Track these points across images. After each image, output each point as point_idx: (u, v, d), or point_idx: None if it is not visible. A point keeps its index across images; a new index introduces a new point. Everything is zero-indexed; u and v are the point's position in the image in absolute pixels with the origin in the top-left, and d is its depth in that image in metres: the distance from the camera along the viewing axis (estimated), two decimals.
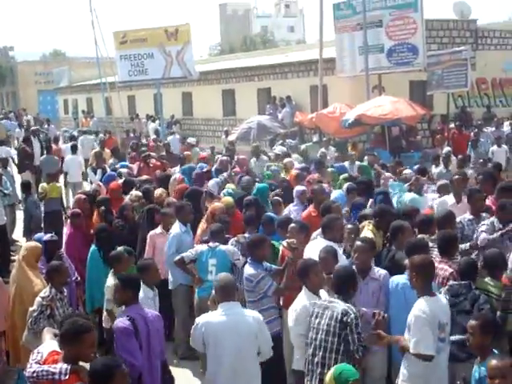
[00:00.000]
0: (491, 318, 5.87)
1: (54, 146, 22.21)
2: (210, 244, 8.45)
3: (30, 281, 8.01)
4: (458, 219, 8.64)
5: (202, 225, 9.83)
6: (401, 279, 6.82)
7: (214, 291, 6.67)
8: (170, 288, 9.30)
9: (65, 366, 5.04)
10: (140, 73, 25.74)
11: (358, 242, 7.09)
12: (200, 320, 6.37)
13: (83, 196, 11.41)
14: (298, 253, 7.83)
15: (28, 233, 13.40)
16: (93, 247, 9.41)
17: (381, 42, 20.53)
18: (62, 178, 17.64)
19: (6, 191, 14.20)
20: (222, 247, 8.44)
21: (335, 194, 11.27)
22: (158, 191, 11.64)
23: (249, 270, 7.51)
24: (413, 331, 5.83)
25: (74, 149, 19.12)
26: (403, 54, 20.12)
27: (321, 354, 5.93)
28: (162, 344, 6.56)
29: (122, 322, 6.22)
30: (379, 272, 7.00)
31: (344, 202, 10.57)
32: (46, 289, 7.39)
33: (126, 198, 11.34)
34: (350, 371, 5.12)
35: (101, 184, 13.48)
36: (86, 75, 44.71)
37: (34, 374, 5.13)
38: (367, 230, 8.55)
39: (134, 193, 11.32)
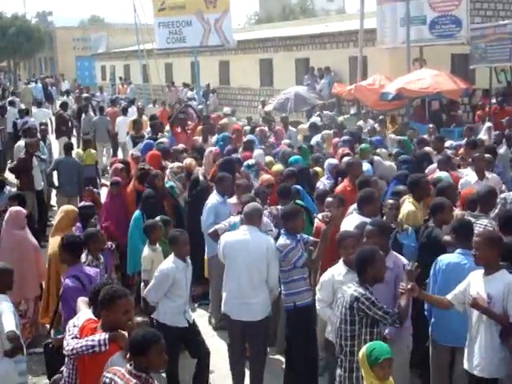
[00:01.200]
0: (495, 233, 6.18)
1: (109, 109, 22.22)
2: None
3: None
4: (502, 195, 8.47)
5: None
6: (452, 258, 6.49)
7: None
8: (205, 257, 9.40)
9: (103, 336, 5.02)
10: (178, 40, 25.59)
11: (369, 226, 6.70)
12: (223, 237, 7.61)
13: (120, 165, 11.36)
14: (334, 226, 7.75)
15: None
16: (137, 213, 9.40)
17: (423, 14, 20.09)
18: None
19: (43, 156, 14.27)
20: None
21: (364, 167, 10.84)
22: (188, 160, 11.61)
23: (280, 240, 7.45)
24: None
25: (124, 111, 20.28)
26: (446, 27, 19.68)
27: (342, 342, 5.74)
28: None
29: (70, 280, 6.61)
30: (396, 259, 6.57)
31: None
32: (82, 255, 7.40)
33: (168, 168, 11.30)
34: (381, 349, 5.01)
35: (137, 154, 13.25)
36: (124, 42, 44.75)
37: (74, 351, 5.10)
38: (408, 203, 8.41)
39: (176, 164, 11.24)
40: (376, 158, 11.62)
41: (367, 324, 5.63)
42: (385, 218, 7.83)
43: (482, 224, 7.54)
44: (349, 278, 6.14)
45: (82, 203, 9.35)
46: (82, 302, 5.83)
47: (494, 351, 5.76)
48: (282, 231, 7.64)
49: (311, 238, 7.82)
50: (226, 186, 9.52)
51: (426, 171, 10.79)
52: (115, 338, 5.02)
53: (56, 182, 13.67)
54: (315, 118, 18.53)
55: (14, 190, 12.11)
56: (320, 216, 7.94)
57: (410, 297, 5.80)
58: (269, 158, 12.27)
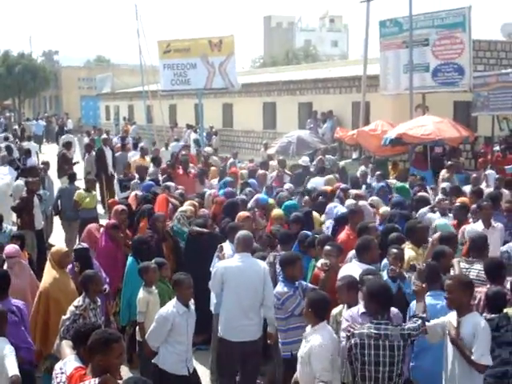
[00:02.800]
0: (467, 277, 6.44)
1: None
2: None
3: (58, 280, 8.11)
4: (504, 248, 8.43)
5: None
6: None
7: None
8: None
9: (92, 381, 4.92)
10: (182, 82, 25.84)
11: (368, 276, 6.73)
12: (220, 265, 8.06)
13: (121, 207, 11.30)
14: (332, 274, 7.68)
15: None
16: (130, 259, 9.31)
17: (426, 61, 20.25)
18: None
19: (44, 196, 14.25)
20: None
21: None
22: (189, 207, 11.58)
23: (278, 287, 7.46)
24: (479, 342, 5.81)
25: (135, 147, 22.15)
26: (449, 74, 19.80)
27: (389, 382, 5.72)
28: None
29: (10, 314, 6.79)
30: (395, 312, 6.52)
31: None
32: (79, 298, 7.32)
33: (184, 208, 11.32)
34: None
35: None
36: (129, 82, 45.16)
37: None
38: (408, 249, 8.43)
39: (189, 208, 11.19)
40: (361, 202, 11.48)
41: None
42: (390, 267, 7.74)
43: (476, 269, 7.67)
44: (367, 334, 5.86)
45: (78, 245, 9.31)
46: (66, 346, 5.75)
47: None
48: (280, 278, 7.58)
49: (310, 285, 7.74)
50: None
51: (417, 214, 10.98)
52: (106, 381, 4.92)
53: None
54: (304, 158, 18.70)
55: (15, 228, 12.06)
56: (319, 264, 7.86)
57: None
58: (271, 200, 12.26)
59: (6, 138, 28.58)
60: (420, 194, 12.53)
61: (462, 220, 10.42)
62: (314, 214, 11.22)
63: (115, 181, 16.31)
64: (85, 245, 9.35)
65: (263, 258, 8.62)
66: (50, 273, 8.22)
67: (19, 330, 7.07)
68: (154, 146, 26.28)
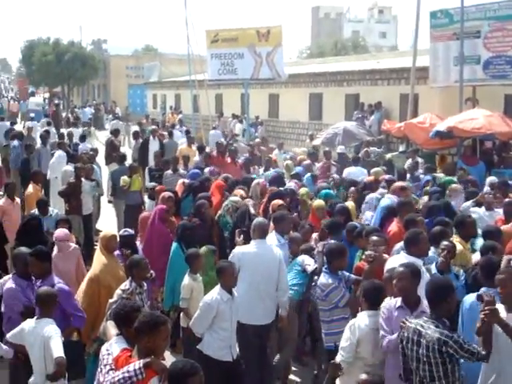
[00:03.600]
0: None
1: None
2: None
3: (107, 265, 8.23)
4: None
5: None
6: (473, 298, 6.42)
7: None
8: None
9: (137, 364, 4.97)
10: (229, 72, 25.85)
11: (400, 268, 6.51)
12: (237, 250, 8.38)
13: (168, 194, 11.38)
14: (377, 265, 7.64)
15: None
16: (175, 244, 9.37)
17: (477, 53, 19.89)
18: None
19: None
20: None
21: None
22: (240, 192, 11.67)
23: (322, 278, 7.46)
24: None
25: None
26: (500, 67, 19.42)
27: (430, 383, 5.61)
28: None
29: (61, 284, 7.21)
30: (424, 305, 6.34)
31: None
32: (126, 282, 7.42)
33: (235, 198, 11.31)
34: None
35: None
36: (176, 71, 45.38)
37: (112, 382, 5.08)
38: (456, 243, 8.27)
39: (237, 199, 11.19)
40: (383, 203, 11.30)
41: (455, 361, 5.55)
42: (440, 260, 7.64)
43: None
44: (412, 329, 5.80)
45: (123, 231, 9.41)
46: (111, 327, 5.84)
47: None
48: (323, 269, 7.57)
49: (353, 276, 7.72)
50: (286, 225, 9.23)
51: (461, 208, 10.84)
52: (150, 365, 4.97)
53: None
54: (341, 147, 18.89)
55: (60, 212, 12.23)
56: (366, 254, 7.83)
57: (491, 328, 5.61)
58: (304, 190, 12.26)
59: (49, 123, 29.03)
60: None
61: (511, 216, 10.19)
62: (350, 205, 11.25)
63: (146, 170, 16.27)
64: (131, 231, 9.43)
65: (311, 250, 8.61)
66: (99, 258, 8.34)
67: (72, 298, 7.31)
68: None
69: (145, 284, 7.63)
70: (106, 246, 8.40)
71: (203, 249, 8.77)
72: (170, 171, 14.84)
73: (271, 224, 9.21)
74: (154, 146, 19.84)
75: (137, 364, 4.97)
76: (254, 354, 7.93)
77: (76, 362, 6.84)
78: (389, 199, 11.03)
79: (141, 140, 21.47)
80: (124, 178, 14.58)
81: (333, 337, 7.33)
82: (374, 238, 8.24)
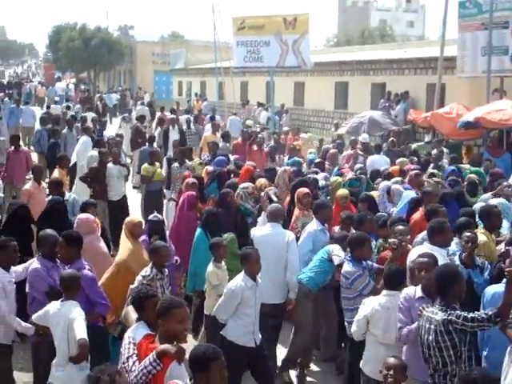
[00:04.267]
0: None
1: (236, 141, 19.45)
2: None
3: (133, 251, 8.26)
4: None
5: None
6: (497, 288, 6.46)
7: None
8: None
9: (151, 357, 5.05)
10: (255, 59, 25.79)
11: (422, 259, 6.57)
12: (253, 231, 9.13)
13: (192, 180, 11.43)
14: (402, 253, 7.63)
15: None
16: (199, 230, 9.40)
17: (505, 44, 19.65)
18: None
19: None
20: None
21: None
22: (262, 180, 11.67)
23: (346, 267, 7.50)
24: None
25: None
26: None
27: (442, 369, 5.62)
28: None
29: (86, 271, 7.20)
30: None
31: None
32: (147, 268, 7.47)
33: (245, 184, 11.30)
34: None
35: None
36: (202, 58, 45.40)
37: (135, 381, 5.15)
38: (479, 234, 8.26)
39: (250, 185, 11.17)
40: (394, 186, 11.39)
41: (466, 342, 5.52)
42: (464, 252, 7.61)
43: None
44: (425, 317, 5.85)
45: (152, 216, 9.43)
46: (132, 312, 5.92)
47: None
48: (347, 257, 7.61)
49: (376, 265, 7.76)
50: (327, 213, 9.31)
51: (479, 199, 10.80)
52: (164, 353, 5.04)
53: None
54: (364, 136, 18.96)
55: (74, 196, 12.16)
56: (390, 242, 7.85)
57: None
58: (334, 178, 12.30)
59: (68, 108, 29.17)
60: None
61: None
62: (376, 194, 11.36)
63: (164, 159, 15.92)
64: (160, 217, 9.46)
65: (344, 239, 8.54)
66: (125, 244, 8.38)
67: (96, 285, 7.35)
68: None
69: (166, 270, 7.65)
70: (132, 231, 8.45)
71: (226, 235, 8.81)
72: (176, 164, 14.19)
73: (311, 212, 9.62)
74: (173, 135, 19.83)
75: (151, 357, 5.05)
76: (266, 332, 7.95)
77: (99, 348, 6.87)
78: (412, 191, 11.04)
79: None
80: (145, 167, 14.49)
81: None
82: (400, 227, 8.28)
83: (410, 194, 10.91)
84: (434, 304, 5.89)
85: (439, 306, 5.66)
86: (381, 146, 17.33)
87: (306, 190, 10.28)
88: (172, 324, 5.15)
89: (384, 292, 6.68)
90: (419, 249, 7.67)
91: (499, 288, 6.43)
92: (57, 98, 38.91)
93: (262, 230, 8.93)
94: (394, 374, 5.57)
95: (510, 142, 18.21)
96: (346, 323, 7.62)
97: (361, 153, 16.96)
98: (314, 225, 9.13)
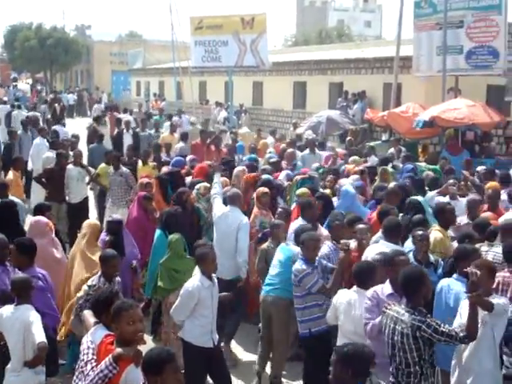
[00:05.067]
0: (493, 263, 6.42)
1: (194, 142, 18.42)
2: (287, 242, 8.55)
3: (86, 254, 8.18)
4: None
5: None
6: (450, 282, 6.67)
7: None
8: None
9: (107, 360, 4.99)
10: (213, 59, 25.74)
11: (401, 256, 6.71)
12: (215, 210, 9.75)
13: (146, 180, 11.43)
14: (362, 251, 7.79)
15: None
16: (159, 231, 9.34)
17: (460, 43, 19.93)
18: None
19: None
20: (294, 248, 8.26)
21: None
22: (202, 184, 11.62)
23: (297, 265, 7.51)
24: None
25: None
26: (483, 57, 19.47)
27: (405, 369, 5.64)
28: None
29: (37, 280, 6.98)
30: None
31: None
32: (94, 277, 7.33)
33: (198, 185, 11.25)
34: None
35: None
36: (160, 58, 45.20)
37: None
38: (434, 231, 8.45)
39: (203, 185, 11.15)
40: (344, 188, 11.10)
41: (430, 345, 5.55)
42: (415, 250, 7.71)
43: (493, 252, 7.63)
44: (390, 315, 5.86)
45: (111, 217, 9.35)
46: (89, 316, 5.84)
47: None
48: (299, 256, 7.60)
49: (330, 264, 7.74)
50: (314, 212, 9.34)
51: (425, 197, 10.76)
52: (120, 356, 4.99)
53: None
54: (308, 132, 19.25)
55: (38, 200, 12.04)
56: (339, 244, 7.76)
57: (476, 310, 5.64)
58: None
59: (19, 107, 27.99)
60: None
61: (494, 205, 10.24)
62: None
63: None
64: (118, 217, 9.38)
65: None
66: (78, 245, 8.30)
67: (45, 296, 7.15)
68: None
69: (117, 279, 7.37)
70: (89, 234, 8.37)
71: (171, 236, 8.67)
72: (111, 168, 13.46)
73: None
74: (127, 139, 19.43)
75: (107, 360, 4.99)
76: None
77: (49, 359, 6.73)
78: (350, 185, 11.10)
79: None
80: (102, 167, 14.11)
81: (307, 324, 7.41)
82: (360, 226, 8.31)
83: (349, 190, 10.89)
84: (400, 302, 5.92)
85: (406, 307, 5.67)
86: (324, 143, 17.66)
87: (265, 189, 10.30)
88: (123, 326, 5.11)
89: (354, 288, 6.72)
90: (376, 247, 7.74)
91: (452, 282, 6.62)
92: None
93: (222, 210, 9.61)
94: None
95: (465, 140, 18.48)
96: (298, 323, 7.60)
97: (321, 153, 16.94)
98: (299, 223, 9.01)
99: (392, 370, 5.77)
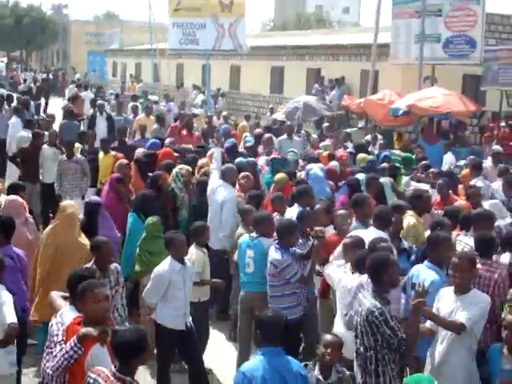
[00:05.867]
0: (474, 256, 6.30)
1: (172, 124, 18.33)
2: (252, 234, 8.00)
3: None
4: (497, 223, 8.42)
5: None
6: (418, 268, 6.75)
7: None
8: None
9: (72, 342, 5.01)
10: (191, 42, 25.51)
11: (382, 244, 6.81)
12: (211, 182, 10.11)
13: (125, 161, 11.33)
14: (342, 237, 7.71)
15: None
16: (134, 215, 9.28)
17: (438, 32, 20.04)
18: None
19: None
20: (263, 241, 7.88)
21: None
22: (204, 161, 11.78)
23: (275, 254, 7.34)
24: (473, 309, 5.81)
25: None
26: (460, 46, 19.61)
27: (363, 352, 5.64)
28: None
29: (8, 259, 6.81)
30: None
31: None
32: (89, 264, 7.09)
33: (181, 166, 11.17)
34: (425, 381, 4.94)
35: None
36: (137, 39, 44.87)
37: (59, 369, 5.09)
38: (408, 216, 8.54)
39: (185, 167, 11.09)
40: (312, 171, 11.27)
41: (383, 341, 5.49)
42: (387, 233, 7.76)
43: (463, 241, 7.78)
44: (359, 300, 5.93)
45: (90, 198, 9.30)
46: (56, 297, 5.82)
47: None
48: (275, 244, 7.50)
49: (298, 250, 7.66)
50: (310, 199, 9.28)
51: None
52: (84, 337, 5.01)
53: None
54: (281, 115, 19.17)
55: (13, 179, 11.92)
56: (313, 231, 7.56)
57: (418, 322, 5.64)
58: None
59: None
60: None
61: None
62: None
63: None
64: (96, 198, 9.27)
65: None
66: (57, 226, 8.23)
67: (15, 275, 7.03)
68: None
69: (112, 266, 7.15)
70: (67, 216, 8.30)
71: (150, 218, 8.60)
72: (64, 157, 12.61)
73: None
74: (101, 123, 17.77)
75: (72, 342, 5.00)
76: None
77: (18, 339, 6.66)
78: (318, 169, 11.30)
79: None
80: (76, 147, 13.73)
81: (284, 311, 7.34)
82: (341, 211, 8.36)
83: (318, 174, 11.07)
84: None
85: (372, 292, 5.70)
86: (299, 129, 17.67)
87: (246, 173, 10.36)
88: (88, 305, 5.15)
89: (357, 274, 6.65)
90: (367, 233, 7.63)
91: (422, 269, 6.64)
92: None
93: (214, 184, 10.00)
94: (331, 352, 5.62)
95: (441, 129, 18.60)
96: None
97: (297, 138, 16.96)
98: (295, 210, 8.87)
99: (354, 354, 5.82)
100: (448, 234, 7.27)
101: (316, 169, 11.14)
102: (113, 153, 13.05)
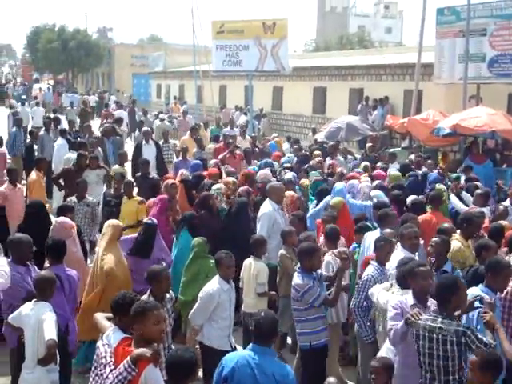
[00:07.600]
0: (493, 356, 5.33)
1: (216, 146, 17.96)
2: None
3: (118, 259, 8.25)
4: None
5: None
6: (473, 291, 6.45)
7: None
8: None
9: (126, 363, 5.02)
10: (234, 64, 25.80)
11: (423, 267, 6.51)
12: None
13: (172, 181, 11.41)
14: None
15: None
16: (184, 234, 9.29)
17: (483, 51, 19.88)
18: None
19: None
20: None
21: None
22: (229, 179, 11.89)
23: (296, 279, 7.28)
24: None
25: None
26: (505, 65, 19.41)
27: (443, 378, 5.60)
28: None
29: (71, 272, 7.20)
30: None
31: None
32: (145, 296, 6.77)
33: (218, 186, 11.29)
34: None
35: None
36: (181, 62, 45.33)
37: None
38: (454, 240, 8.32)
39: (231, 179, 11.25)
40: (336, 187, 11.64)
41: (466, 355, 5.54)
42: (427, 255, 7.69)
43: None
44: (422, 325, 5.80)
45: (149, 219, 9.40)
46: (101, 318, 5.85)
47: None
48: (297, 268, 7.46)
49: (324, 273, 7.62)
50: (280, 193, 10.14)
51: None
52: (139, 357, 5.02)
53: None
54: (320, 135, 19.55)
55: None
56: (337, 252, 7.63)
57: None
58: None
59: (37, 104, 28.12)
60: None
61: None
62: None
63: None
64: (154, 220, 9.26)
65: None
66: (109, 250, 8.30)
67: (59, 295, 6.94)
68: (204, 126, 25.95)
69: (169, 295, 6.92)
70: (114, 234, 8.41)
71: (194, 240, 8.67)
72: (74, 198, 11.42)
73: None
74: (149, 151, 16.22)
75: (125, 363, 5.02)
76: None
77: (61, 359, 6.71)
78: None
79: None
80: (115, 168, 14.04)
81: (307, 336, 7.24)
82: (388, 231, 8.30)
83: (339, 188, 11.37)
84: (425, 311, 5.90)
85: (438, 315, 5.65)
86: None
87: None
88: (148, 327, 5.17)
89: (399, 291, 6.65)
90: (395, 254, 7.67)
91: (477, 293, 6.40)
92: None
93: (267, 207, 9.98)
94: (375, 377, 5.59)
95: (486, 149, 18.36)
96: (297, 335, 7.51)
97: (341, 158, 16.95)
98: (268, 206, 9.86)
99: (423, 380, 5.73)
100: (509, 262, 7.01)
101: (339, 184, 11.62)
102: (138, 198, 11.48)
